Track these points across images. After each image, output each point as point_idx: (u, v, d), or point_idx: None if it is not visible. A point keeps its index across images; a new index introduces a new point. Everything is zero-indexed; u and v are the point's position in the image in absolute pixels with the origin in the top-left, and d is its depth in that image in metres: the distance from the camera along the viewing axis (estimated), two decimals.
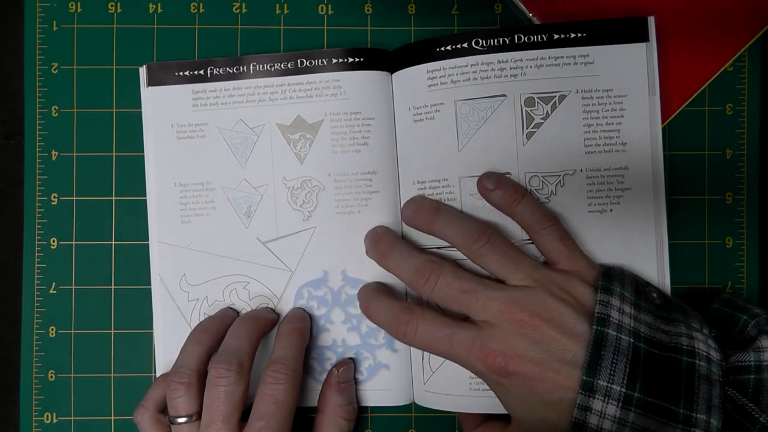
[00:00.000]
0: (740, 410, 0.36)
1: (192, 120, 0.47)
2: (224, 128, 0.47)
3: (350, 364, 0.46)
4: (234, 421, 0.41)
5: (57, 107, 0.48)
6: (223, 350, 0.43)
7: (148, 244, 0.47)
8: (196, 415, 0.42)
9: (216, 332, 0.45)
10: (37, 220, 0.48)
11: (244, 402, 0.42)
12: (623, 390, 0.36)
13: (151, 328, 0.48)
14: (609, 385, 0.36)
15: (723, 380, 0.37)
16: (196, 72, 0.47)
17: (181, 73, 0.47)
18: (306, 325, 0.46)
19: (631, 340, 0.37)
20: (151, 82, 0.47)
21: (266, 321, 0.46)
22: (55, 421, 0.48)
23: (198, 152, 0.47)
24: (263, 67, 0.46)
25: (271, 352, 0.43)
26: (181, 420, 0.42)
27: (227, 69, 0.47)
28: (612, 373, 0.36)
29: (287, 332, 0.45)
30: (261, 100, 0.46)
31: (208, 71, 0.47)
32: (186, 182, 0.47)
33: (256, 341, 0.44)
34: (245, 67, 0.46)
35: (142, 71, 0.47)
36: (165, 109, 0.47)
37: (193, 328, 0.45)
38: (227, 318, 0.46)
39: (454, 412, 0.47)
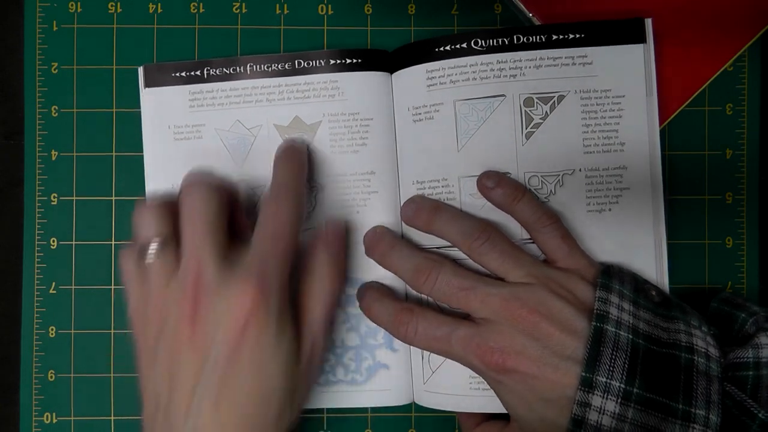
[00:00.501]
0: (739, 406, 0.36)
1: (189, 121, 0.47)
2: (221, 129, 0.47)
3: (339, 228, 0.44)
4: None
5: (57, 107, 0.49)
6: (277, 182, 0.41)
7: None
8: (173, 243, 0.39)
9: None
10: (37, 220, 0.49)
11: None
12: (622, 386, 0.36)
13: None
14: (608, 381, 0.36)
15: (722, 376, 0.38)
16: (192, 73, 0.47)
17: (177, 74, 0.47)
18: (302, 148, 0.44)
19: (630, 337, 0.37)
20: (149, 84, 0.47)
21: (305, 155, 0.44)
22: (55, 421, 0.48)
23: (195, 153, 0.47)
24: (260, 68, 0.46)
25: (272, 177, 0.42)
26: (153, 245, 0.38)
27: (224, 70, 0.47)
28: (611, 369, 0.36)
29: (284, 157, 0.43)
30: (258, 101, 0.46)
31: (205, 72, 0.47)
32: None
33: (304, 179, 0.42)
34: (242, 67, 0.46)
35: (140, 72, 0.47)
36: (162, 110, 0.47)
37: None
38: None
39: (454, 412, 0.47)
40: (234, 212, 0.42)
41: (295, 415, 0.39)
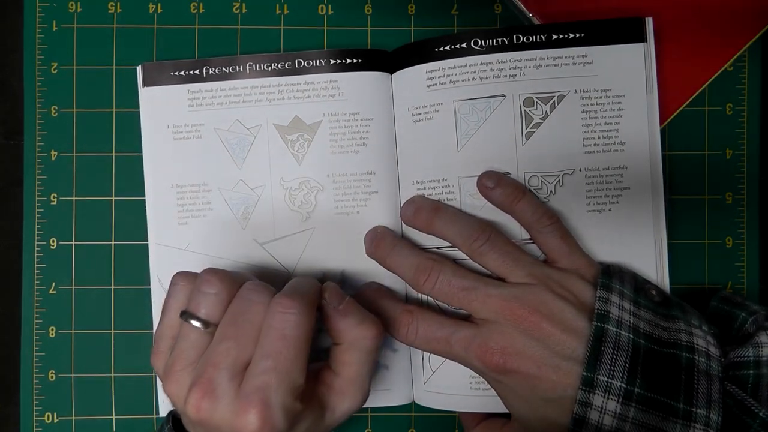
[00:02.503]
0: (740, 405, 0.36)
1: (188, 120, 0.47)
2: (220, 129, 0.47)
3: (332, 286, 0.40)
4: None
5: (56, 107, 0.49)
6: (288, 287, 0.38)
7: (147, 245, 0.47)
8: (213, 327, 0.37)
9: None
10: (36, 220, 0.49)
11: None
12: (623, 385, 0.36)
13: (151, 328, 0.48)
14: (609, 380, 0.36)
15: (722, 375, 0.38)
16: (191, 72, 0.47)
17: (176, 73, 0.47)
18: (318, 283, 0.41)
19: (631, 336, 0.37)
20: (147, 83, 0.47)
21: (320, 290, 0.40)
22: (55, 420, 0.49)
23: (194, 153, 0.47)
24: (259, 67, 0.46)
25: None
26: (196, 323, 0.37)
27: (223, 69, 0.46)
28: (612, 368, 0.36)
29: (301, 276, 0.41)
30: (258, 101, 0.46)
31: (204, 71, 0.47)
32: (183, 183, 0.47)
33: (317, 301, 0.39)
34: (241, 67, 0.46)
35: (139, 71, 0.47)
36: (161, 109, 0.47)
37: None
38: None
39: (455, 412, 0.47)
40: None
41: None
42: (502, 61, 0.44)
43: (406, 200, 0.45)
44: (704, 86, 0.47)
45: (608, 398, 0.36)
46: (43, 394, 0.48)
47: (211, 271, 0.38)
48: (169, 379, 0.37)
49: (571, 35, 0.44)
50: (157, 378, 0.48)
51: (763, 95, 0.48)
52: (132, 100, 0.48)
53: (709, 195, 0.48)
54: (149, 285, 0.47)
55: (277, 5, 0.49)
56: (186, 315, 0.37)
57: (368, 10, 0.49)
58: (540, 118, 0.44)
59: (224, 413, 0.35)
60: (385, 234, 0.45)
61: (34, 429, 0.48)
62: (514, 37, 0.44)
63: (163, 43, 0.49)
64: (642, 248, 0.44)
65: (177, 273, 0.40)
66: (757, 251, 0.48)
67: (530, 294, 0.39)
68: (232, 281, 0.38)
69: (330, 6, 0.49)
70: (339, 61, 0.46)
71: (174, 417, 0.41)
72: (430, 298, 0.45)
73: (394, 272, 0.44)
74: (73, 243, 0.49)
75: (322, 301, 0.39)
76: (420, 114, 0.45)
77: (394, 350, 0.47)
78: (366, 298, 0.44)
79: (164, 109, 0.47)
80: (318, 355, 0.42)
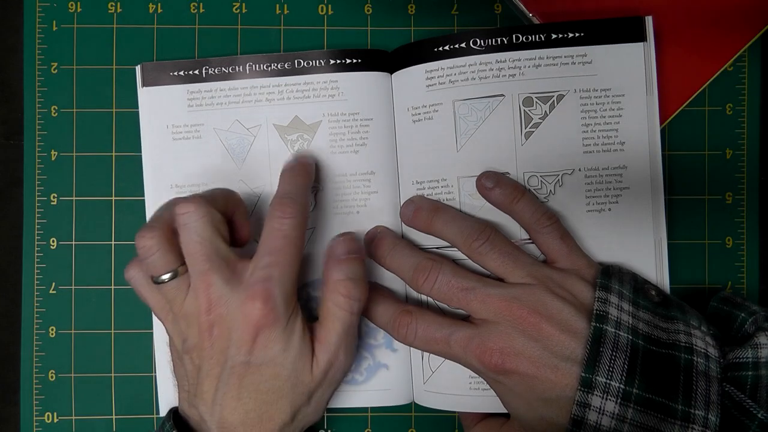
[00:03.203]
0: (738, 406, 0.36)
1: (187, 120, 0.47)
2: (220, 129, 0.47)
3: (351, 236, 0.44)
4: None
5: (57, 107, 0.49)
6: (281, 192, 0.42)
7: None
8: (182, 268, 0.40)
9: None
10: (36, 220, 0.49)
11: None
12: (622, 386, 0.36)
13: (151, 328, 0.48)
14: (608, 381, 0.36)
15: (721, 377, 0.38)
16: (191, 72, 0.47)
17: (175, 73, 0.47)
18: (311, 163, 0.45)
19: (630, 337, 0.37)
20: (146, 83, 0.47)
21: (313, 169, 0.45)
22: (56, 420, 0.49)
23: (194, 153, 0.47)
24: (259, 68, 0.46)
25: (277, 188, 0.43)
26: (164, 277, 0.40)
27: (222, 69, 0.46)
28: (611, 369, 0.36)
29: (292, 169, 0.44)
30: (257, 101, 0.46)
31: (203, 71, 0.47)
32: (182, 184, 0.47)
33: (308, 191, 0.43)
34: (241, 67, 0.46)
35: (138, 71, 0.47)
36: (160, 109, 0.47)
37: None
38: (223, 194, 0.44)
39: (454, 412, 0.47)
40: (234, 219, 0.43)
41: (315, 411, 0.42)
42: (501, 61, 0.44)
43: (405, 200, 0.45)
44: (704, 86, 0.47)
45: (606, 399, 0.36)
46: (43, 394, 0.49)
47: (139, 237, 0.39)
48: (177, 320, 0.41)
49: (571, 35, 0.44)
50: (157, 378, 0.48)
51: (763, 95, 0.48)
52: (132, 100, 0.48)
53: (709, 195, 0.48)
54: None
55: (277, 5, 0.49)
56: (154, 279, 0.40)
57: (368, 10, 0.49)
58: (539, 118, 0.44)
59: (234, 308, 0.39)
60: (385, 234, 0.45)
61: (34, 429, 0.48)
62: (514, 36, 0.44)
63: (163, 43, 0.49)
64: (642, 248, 0.44)
65: (124, 270, 0.42)
66: (757, 251, 0.48)
67: (529, 294, 0.39)
68: (161, 225, 0.39)
69: (330, 6, 0.49)
70: (339, 61, 0.46)
71: (175, 414, 0.42)
72: (429, 299, 0.45)
73: (393, 272, 0.44)
74: (73, 243, 0.49)
75: (332, 242, 0.42)
76: (419, 114, 0.45)
77: (394, 350, 0.47)
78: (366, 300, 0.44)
79: (163, 109, 0.47)
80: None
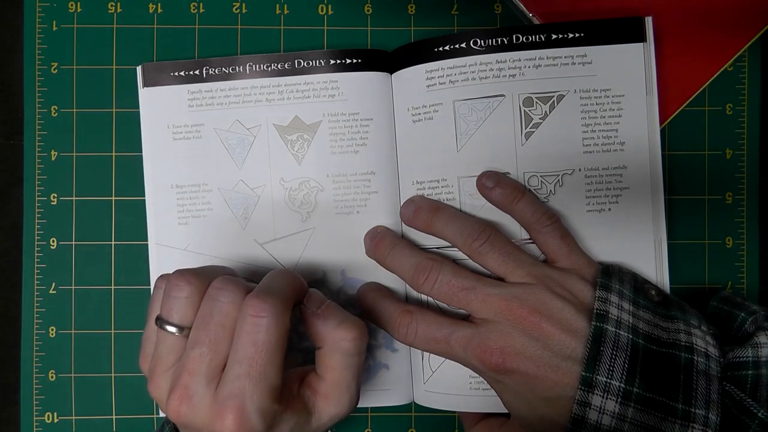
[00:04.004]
0: (738, 406, 0.36)
1: (188, 121, 0.47)
2: (220, 129, 0.47)
3: (312, 291, 0.40)
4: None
5: (57, 107, 0.49)
6: (261, 287, 0.37)
7: (147, 245, 0.47)
8: (188, 330, 0.37)
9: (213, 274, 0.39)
10: (36, 220, 0.49)
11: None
12: (622, 385, 0.36)
13: None
14: (608, 380, 0.36)
15: (721, 376, 0.38)
16: (191, 72, 0.47)
17: (176, 74, 0.47)
18: (300, 279, 0.40)
19: (630, 336, 0.37)
20: (147, 83, 0.47)
21: (302, 285, 0.40)
22: (55, 420, 0.49)
23: (194, 153, 0.47)
24: (259, 68, 0.46)
25: None
26: (171, 328, 0.37)
27: (223, 69, 0.46)
28: (611, 368, 0.36)
29: (276, 271, 0.40)
30: (257, 101, 0.46)
31: (204, 71, 0.47)
32: (182, 184, 0.47)
33: (293, 299, 0.38)
34: (241, 67, 0.46)
35: (138, 71, 0.47)
36: (161, 109, 0.47)
37: None
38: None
39: (454, 412, 0.47)
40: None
41: None
42: (501, 61, 0.44)
43: (405, 200, 0.45)
44: (704, 86, 0.47)
45: (607, 398, 0.36)
46: (43, 394, 0.49)
47: (179, 274, 0.37)
48: (151, 382, 0.38)
49: (571, 35, 0.44)
50: None
51: (763, 95, 0.48)
52: (132, 100, 0.48)
53: (709, 195, 0.48)
54: (149, 285, 0.47)
55: (277, 5, 0.49)
56: (160, 321, 0.37)
57: (368, 10, 0.49)
58: (539, 118, 0.44)
59: (203, 418, 0.35)
60: (385, 234, 0.45)
61: (34, 429, 0.48)
62: (514, 37, 0.44)
63: (163, 43, 0.49)
64: (641, 248, 0.44)
65: (159, 276, 0.40)
66: (757, 251, 0.48)
67: (530, 294, 0.39)
68: (202, 282, 0.37)
69: (330, 6, 0.49)
70: (339, 61, 0.46)
71: None
72: (429, 298, 0.45)
73: (393, 272, 0.44)
74: (73, 243, 0.49)
75: (301, 307, 0.39)
76: (420, 114, 0.45)
77: (394, 350, 0.47)
78: (365, 298, 0.44)
79: (164, 110, 0.47)
80: (308, 357, 0.42)
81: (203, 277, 0.38)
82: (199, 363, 0.35)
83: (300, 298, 0.39)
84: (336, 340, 0.38)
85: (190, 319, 0.37)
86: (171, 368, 0.37)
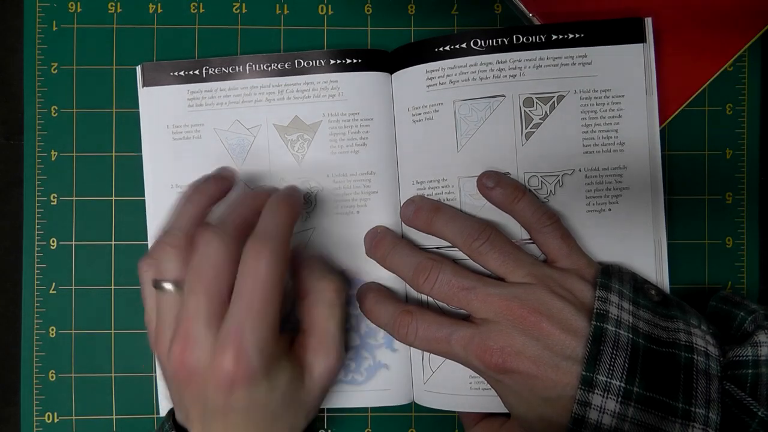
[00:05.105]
0: (738, 405, 0.36)
1: (188, 121, 0.47)
2: (220, 129, 0.47)
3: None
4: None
5: (57, 107, 0.49)
6: (259, 230, 0.38)
7: (147, 245, 0.47)
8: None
9: (212, 195, 0.42)
10: (36, 221, 0.49)
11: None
12: (622, 385, 0.36)
13: None
14: (608, 380, 0.36)
15: (721, 375, 0.38)
16: (191, 72, 0.47)
17: (175, 73, 0.47)
18: (297, 200, 0.41)
19: (630, 336, 0.37)
20: (147, 83, 0.47)
21: (299, 207, 0.41)
22: (56, 420, 0.49)
23: (194, 153, 0.47)
24: (259, 68, 0.46)
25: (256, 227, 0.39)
26: (167, 286, 0.38)
27: (222, 69, 0.46)
28: (611, 368, 0.36)
29: (274, 204, 0.40)
30: (257, 101, 0.46)
31: (204, 71, 0.47)
32: (182, 184, 0.46)
33: (291, 229, 0.39)
34: (241, 67, 0.46)
35: (138, 71, 0.47)
36: (160, 109, 0.47)
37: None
38: (225, 180, 0.44)
39: (455, 412, 0.47)
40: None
41: (313, 414, 0.41)
42: (501, 62, 0.44)
43: (405, 200, 0.45)
44: (704, 86, 0.47)
45: (607, 397, 0.36)
46: (43, 394, 0.49)
47: (165, 234, 0.39)
48: (158, 343, 0.39)
49: (571, 35, 0.44)
50: (157, 378, 0.48)
51: (763, 95, 0.48)
52: (132, 100, 0.48)
53: (709, 195, 0.48)
54: None
55: (277, 5, 0.49)
56: (156, 283, 0.39)
57: (368, 10, 0.49)
58: (540, 119, 0.44)
59: (205, 360, 0.36)
60: (385, 234, 0.45)
61: (35, 429, 0.48)
62: (514, 37, 0.44)
63: (163, 43, 0.49)
64: (641, 248, 0.44)
65: (139, 261, 0.41)
66: (757, 251, 0.48)
67: (530, 294, 0.39)
68: (186, 236, 0.39)
69: (330, 6, 0.49)
70: (339, 61, 0.46)
71: (174, 414, 0.41)
72: (429, 298, 0.45)
73: (393, 272, 0.44)
74: (73, 243, 0.49)
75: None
76: (420, 114, 0.45)
77: (394, 350, 0.47)
78: (365, 298, 0.44)
79: (164, 110, 0.47)
80: (295, 326, 0.43)
81: (179, 232, 0.39)
82: (196, 309, 0.37)
83: (296, 218, 0.41)
84: (319, 290, 0.41)
85: (183, 271, 0.38)
86: (173, 323, 0.38)
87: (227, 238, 0.38)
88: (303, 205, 0.44)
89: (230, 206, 0.41)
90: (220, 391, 0.36)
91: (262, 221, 0.39)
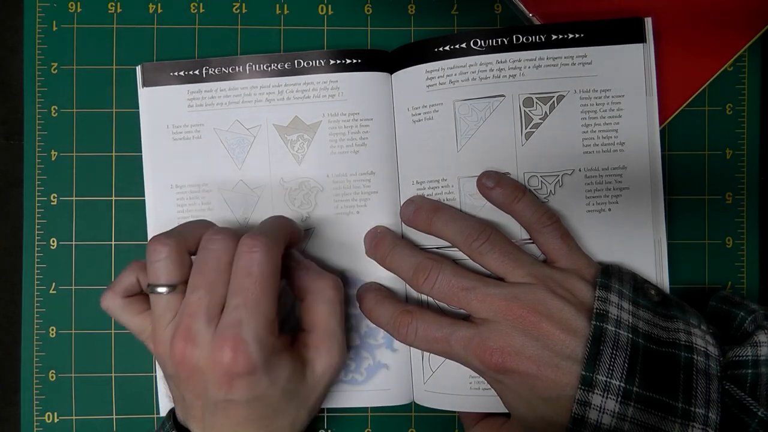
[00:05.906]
0: (738, 405, 0.36)
1: (187, 121, 0.47)
2: (220, 129, 0.47)
3: (292, 251, 0.43)
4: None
5: (57, 107, 0.49)
6: (255, 229, 0.40)
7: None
8: (181, 286, 0.39)
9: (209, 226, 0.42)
10: (36, 221, 0.49)
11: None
12: (622, 385, 0.36)
13: None
14: (608, 380, 0.36)
15: (721, 375, 0.38)
16: (191, 72, 0.47)
17: (175, 74, 0.47)
18: (298, 226, 0.44)
19: (630, 336, 0.37)
20: (147, 83, 0.47)
21: (297, 230, 0.43)
22: (56, 420, 0.49)
23: (194, 153, 0.47)
24: (259, 68, 0.46)
25: None
26: (160, 289, 0.39)
27: (222, 69, 0.46)
28: (611, 368, 0.36)
29: (275, 216, 0.43)
30: (257, 101, 0.46)
31: (203, 71, 0.47)
32: (182, 184, 0.47)
33: (285, 239, 0.41)
34: (241, 67, 0.46)
35: (138, 71, 0.47)
36: (160, 109, 0.47)
37: None
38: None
39: (454, 412, 0.47)
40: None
41: (314, 410, 0.42)
42: (501, 62, 0.44)
43: (405, 200, 0.45)
44: (704, 86, 0.47)
45: (607, 397, 0.36)
46: (44, 394, 0.49)
47: (153, 240, 0.39)
48: (156, 341, 0.40)
49: (571, 35, 0.44)
50: (157, 378, 0.48)
51: (763, 95, 0.48)
52: (132, 100, 0.48)
53: (709, 195, 0.48)
54: None
55: (277, 5, 0.49)
56: (150, 287, 0.39)
57: (368, 10, 0.49)
58: (539, 119, 0.44)
59: (206, 355, 0.37)
60: (385, 234, 0.45)
61: (35, 429, 0.48)
62: (514, 37, 0.44)
63: (163, 43, 0.49)
64: (641, 248, 0.44)
65: (131, 263, 0.42)
66: (757, 251, 0.48)
67: (530, 293, 0.39)
68: (178, 240, 0.39)
69: (330, 6, 0.49)
70: (339, 61, 0.46)
71: (175, 414, 0.42)
72: (429, 299, 0.45)
73: (393, 272, 0.44)
74: (73, 243, 0.49)
75: (285, 261, 0.41)
76: (420, 114, 0.45)
77: (394, 350, 0.47)
78: (365, 298, 0.44)
79: (163, 110, 0.47)
80: (295, 326, 0.44)
81: (178, 236, 0.40)
82: (198, 306, 0.37)
83: (294, 241, 0.42)
84: (319, 288, 0.41)
85: (176, 275, 0.39)
86: (171, 322, 0.39)
87: (230, 238, 0.39)
88: (302, 234, 0.45)
89: (266, 224, 0.42)
90: (221, 385, 0.37)
91: (259, 224, 0.41)
